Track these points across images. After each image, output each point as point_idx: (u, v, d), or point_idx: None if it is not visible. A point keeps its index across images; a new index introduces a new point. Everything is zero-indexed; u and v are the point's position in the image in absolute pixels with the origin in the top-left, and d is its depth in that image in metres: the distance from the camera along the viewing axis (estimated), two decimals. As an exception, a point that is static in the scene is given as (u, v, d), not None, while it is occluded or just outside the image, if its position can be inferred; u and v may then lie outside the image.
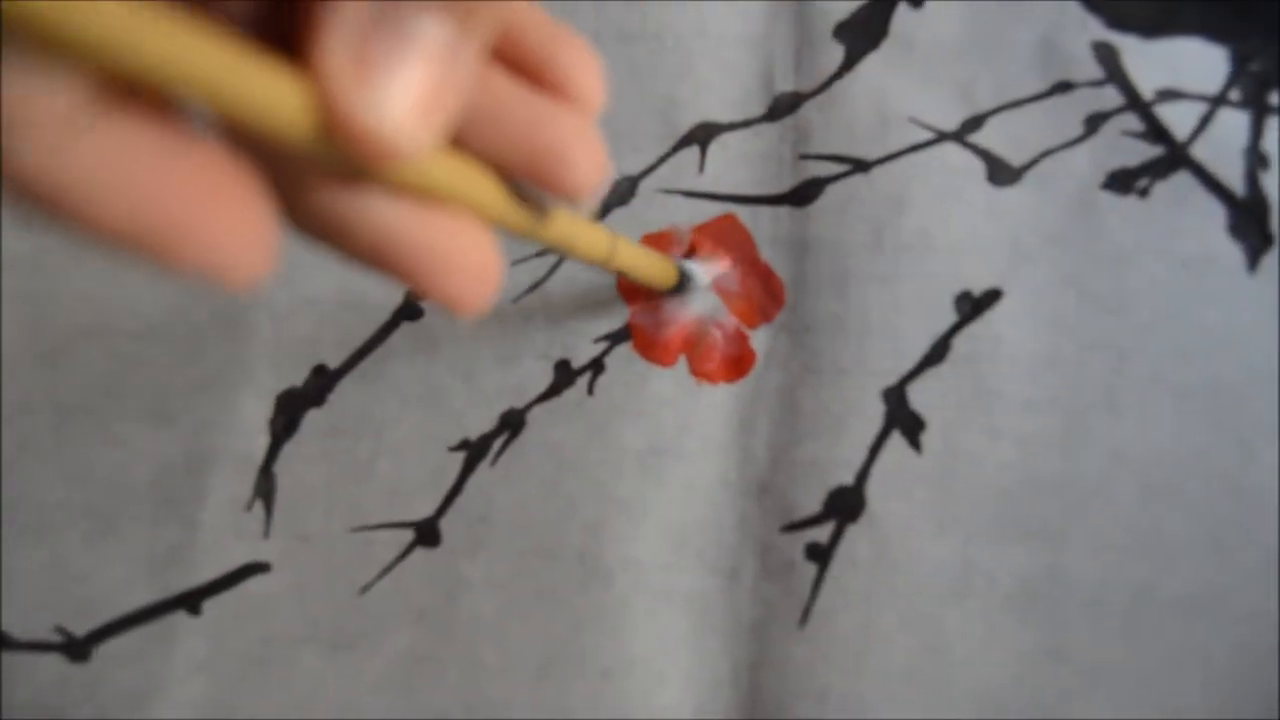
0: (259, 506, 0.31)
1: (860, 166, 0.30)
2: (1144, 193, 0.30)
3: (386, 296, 0.31)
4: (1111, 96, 0.30)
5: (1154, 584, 0.28)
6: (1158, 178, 0.30)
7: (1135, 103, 0.30)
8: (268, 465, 0.31)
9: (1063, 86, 0.30)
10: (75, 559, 0.32)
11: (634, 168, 0.31)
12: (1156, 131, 0.30)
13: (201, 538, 0.31)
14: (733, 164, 0.31)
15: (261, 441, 0.31)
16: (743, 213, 0.31)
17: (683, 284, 0.29)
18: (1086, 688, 0.28)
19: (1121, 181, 0.30)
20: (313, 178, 0.15)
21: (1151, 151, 0.30)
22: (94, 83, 0.12)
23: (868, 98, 0.31)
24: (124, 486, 0.32)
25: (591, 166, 0.17)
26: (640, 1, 0.31)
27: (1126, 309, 0.29)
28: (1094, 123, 0.30)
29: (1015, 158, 0.30)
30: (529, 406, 0.31)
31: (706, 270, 0.30)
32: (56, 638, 0.31)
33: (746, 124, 0.31)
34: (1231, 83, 0.30)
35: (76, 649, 0.31)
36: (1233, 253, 0.29)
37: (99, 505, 0.32)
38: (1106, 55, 0.30)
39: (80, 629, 0.31)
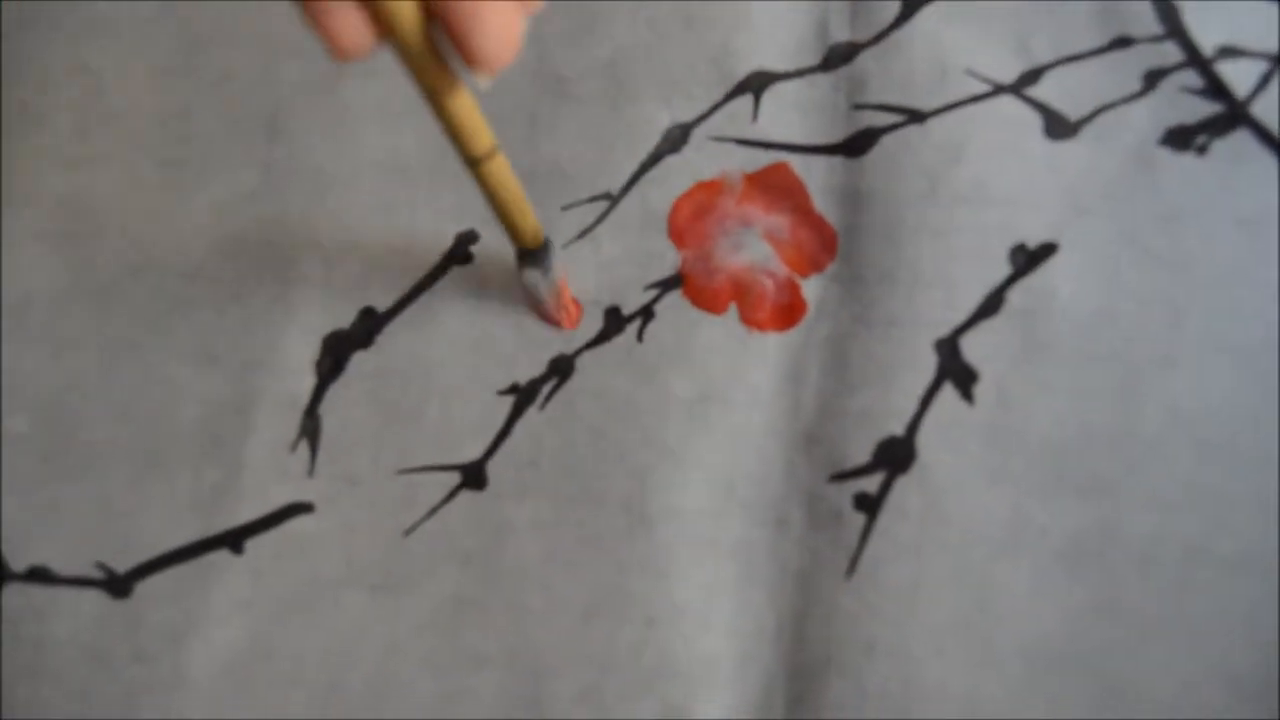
0: (304, 447, 0.31)
1: (916, 117, 0.30)
2: (1202, 150, 0.30)
3: (436, 240, 0.31)
4: (1171, 52, 0.30)
5: (1206, 541, 0.28)
6: (1216, 135, 0.30)
7: (1195, 59, 0.30)
8: (313, 406, 0.31)
9: (1122, 41, 0.30)
10: (120, 496, 0.32)
11: (687, 115, 0.31)
12: (1216, 89, 0.30)
13: (245, 477, 0.31)
14: (786, 113, 0.31)
15: (307, 382, 0.31)
16: (795, 162, 0.30)
17: (543, 252, 0.28)
18: (1136, 644, 0.28)
19: (1180, 138, 0.30)
20: None
21: (1210, 109, 0.30)
22: None
23: (925, 49, 0.30)
24: (170, 425, 0.32)
25: (500, 40, 0.20)
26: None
27: (1183, 266, 0.29)
28: (1153, 79, 0.30)
29: (1073, 112, 0.30)
30: (578, 352, 0.30)
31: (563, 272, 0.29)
32: (98, 574, 0.31)
33: (801, 73, 0.31)
34: (1294, 40, 0.30)
35: (118, 585, 0.31)
36: (1292, 211, 0.29)
37: (145, 443, 0.32)
38: (1167, 11, 0.30)
39: (122, 566, 0.31)
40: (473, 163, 0.23)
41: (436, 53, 0.21)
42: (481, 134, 0.23)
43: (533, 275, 0.28)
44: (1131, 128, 0.30)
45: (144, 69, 0.33)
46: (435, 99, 0.21)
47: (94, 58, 0.33)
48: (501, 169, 0.24)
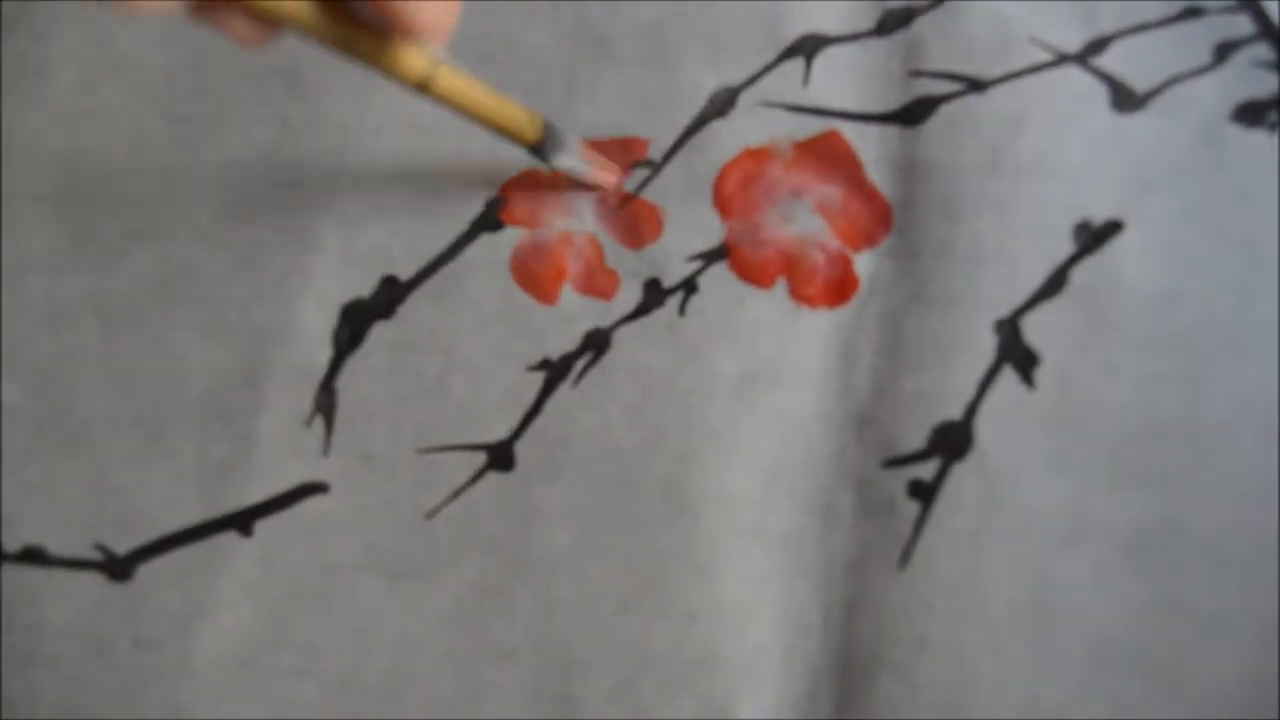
0: (319, 423, 0.29)
1: (975, 86, 0.28)
2: (1274, 127, 0.28)
3: (464, 206, 0.29)
4: (1243, 24, 0.29)
5: (1275, 534, 0.27)
6: (1289, 111, 0.28)
7: (1268, 31, 0.28)
8: (329, 379, 0.29)
9: (1192, 11, 0.29)
10: (119, 473, 0.30)
11: (734, 78, 0.29)
12: (1289, 63, 0.28)
13: (256, 454, 0.29)
14: (839, 78, 0.29)
15: (324, 354, 0.29)
16: (848, 130, 0.29)
17: (551, 136, 0.26)
18: (1202, 641, 0.27)
19: (1251, 114, 0.28)
20: None
21: (1283, 83, 0.28)
22: None
23: (986, 15, 0.29)
24: (174, 398, 0.30)
25: (434, 9, 0.19)
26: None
27: (1253, 246, 0.28)
28: (1224, 51, 0.28)
29: (1140, 84, 0.28)
30: (615, 326, 0.29)
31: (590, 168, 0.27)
32: (97, 555, 0.29)
33: (855, 38, 0.29)
34: (1372, 13, 0.28)
35: (118, 568, 0.29)
36: (1368, 191, 0.27)
37: (146, 417, 0.30)
38: (1239, -19, 0.28)
39: (122, 547, 0.29)
40: (421, 89, 0.22)
41: (349, 24, 0.21)
42: (411, 60, 0.22)
43: (558, 161, 0.26)
44: (1201, 102, 0.28)
45: (153, 17, 0.31)
46: (352, 57, 0.21)
47: (99, 6, 0.31)
48: (452, 83, 0.23)
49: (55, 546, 0.30)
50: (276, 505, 0.29)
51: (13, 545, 0.30)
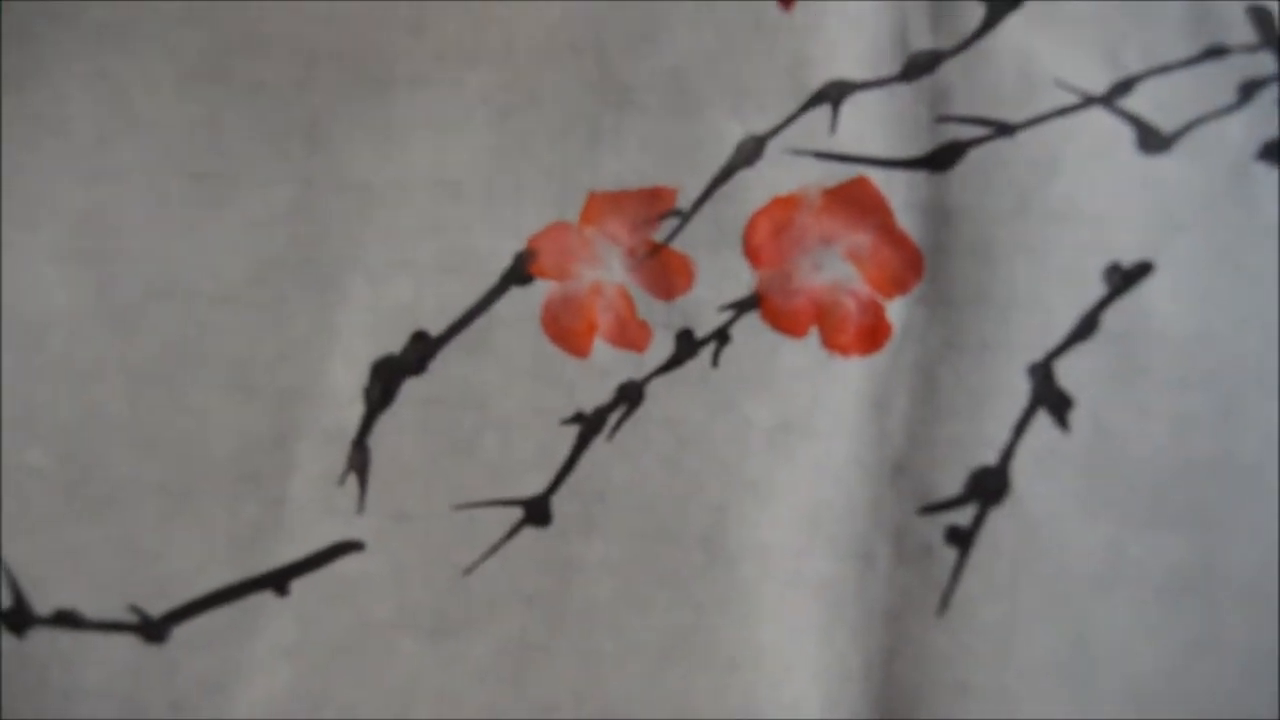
0: (352, 481, 0.29)
1: (1004, 130, 0.29)
2: (1300, 164, 0.28)
3: (493, 260, 0.29)
4: (1267, 63, 0.29)
5: (1312, 573, 0.27)
6: (1314, 149, 0.28)
7: (1291, 69, 0.28)
8: (361, 437, 0.29)
9: (1215, 51, 0.29)
10: (149, 536, 0.29)
11: (761, 127, 0.29)
12: (1313, 100, 0.28)
13: (289, 514, 0.29)
14: (867, 125, 0.29)
15: (355, 411, 0.29)
16: (877, 176, 0.29)
17: None
18: (1241, 682, 0.27)
19: (1276, 152, 0.28)
20: None
21: (1307, 121, 0.28)
22: None
23: (1011, 58, 0.29)
24: (203, 459, 0.30)
25: None
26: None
27: (1282, 285, 0.28)
28: (1248, 90, 0.29)
29: (1166, 125, 0.29)
30: (648, 378, 0.29)
31: None
32: (131, 618, 0.29)
33: (881, 83, 0.29)
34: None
35: (152, 630, 0.29)
36: (1396, 228, 0.28)
37: (175, 479, 0.30)
38: (1262, 19, 0.29)
39: (156, 609, 0.29)
40: None
41: None
42: None
43: None
44: (1227, 141, 0.28)
45: (170, 75, 0.31)
46: None
47: (115, 63, 0.31)
48: None
49: (88, 609, 0.29)
50: (311, 564, 0.29)
51: (45, 609, 0.29)
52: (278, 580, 0.29)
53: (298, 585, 0.29)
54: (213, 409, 0.30)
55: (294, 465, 0.29)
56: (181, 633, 0.29)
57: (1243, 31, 0.29)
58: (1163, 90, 0.29)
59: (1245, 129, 0.28)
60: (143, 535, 0.30)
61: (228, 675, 0.29)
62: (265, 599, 0.29)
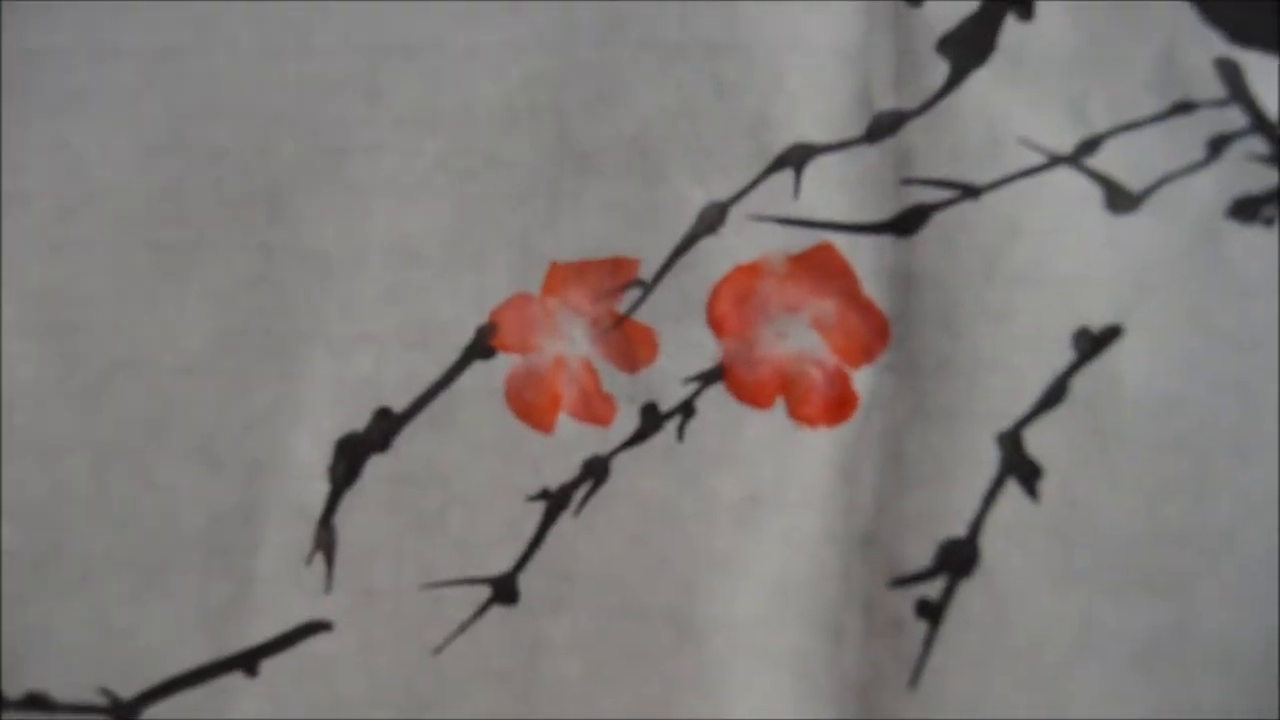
0: (319, 560, 0.29)
1: (969, 192, 0.28)
2: (1270, 221, 0.28)
3: (455, 332, 0.29)
4: (1235, 117, 0.28)
5: (1285, 639, 0.27)
6: (1286, 204, 0.28)
7: (1261, 124, 0.28)
8: (328, 516, 0.29)
9: (1183, 106, 0.28)
10: (119, 614, 0.29)
11: (723, 192, 0.29)
12: (1284, 155, 0.28)
13: (257, 592, 0.29)
14: (830, 189, 0.29)
15: (320, 487, 0.29)
16: (841, 242, 0.28)
17: None
18: (1216, 750, 0.27)
19: (1247, 209, 0.28)
20: None
21: (1278, 177, 0.28)
22: None
23: (976, 117, 0.28)
24: (171, 536, 0.29)
25: None
26: (731, 1, 0.29)
27: (1255, 346, 0.28)
28: (1217, 145, 0.28)
29: (1134, 183, 0.28)
30: (614, 453, 0.28)
31: None
32: (101, 699, 0.29)
33: (844, 146, 0.29)
34: (1365, 102, 0.28)
35: (123, 712, 0.29)
36: (1369, 286, 0.27)
37: (144, 556, 0.29)
38: (1230, 72, 0.28)
39: (127, 690, 0.29)
40: None
41: None
42: None
43: None
44: (1196, 199, 0.28)
45: (130, 144, 0.31)
46: None
47: (74, 133, 0.31)
48: None
49: (59, 692, 0.29)
50: (280, 644, 0.29)
51: (15, 691, 0.29)
52: (247, 661, 0.29)
53: (268, 665, 0.29)
54: (180, 483, 0.30)
55: (262, 542, 0.29)
56: (153, 714, 0.29)
57: (1211, 86, 0.28)
58: (1130, 148, 0.28)
59: (1215, 186, 0.28)
60: (114, 613, 0.30)
61: (200, 755, 0.29)
62: (235, 679, 0.29)
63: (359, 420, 0.29)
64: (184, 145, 0.30)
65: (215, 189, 0.30)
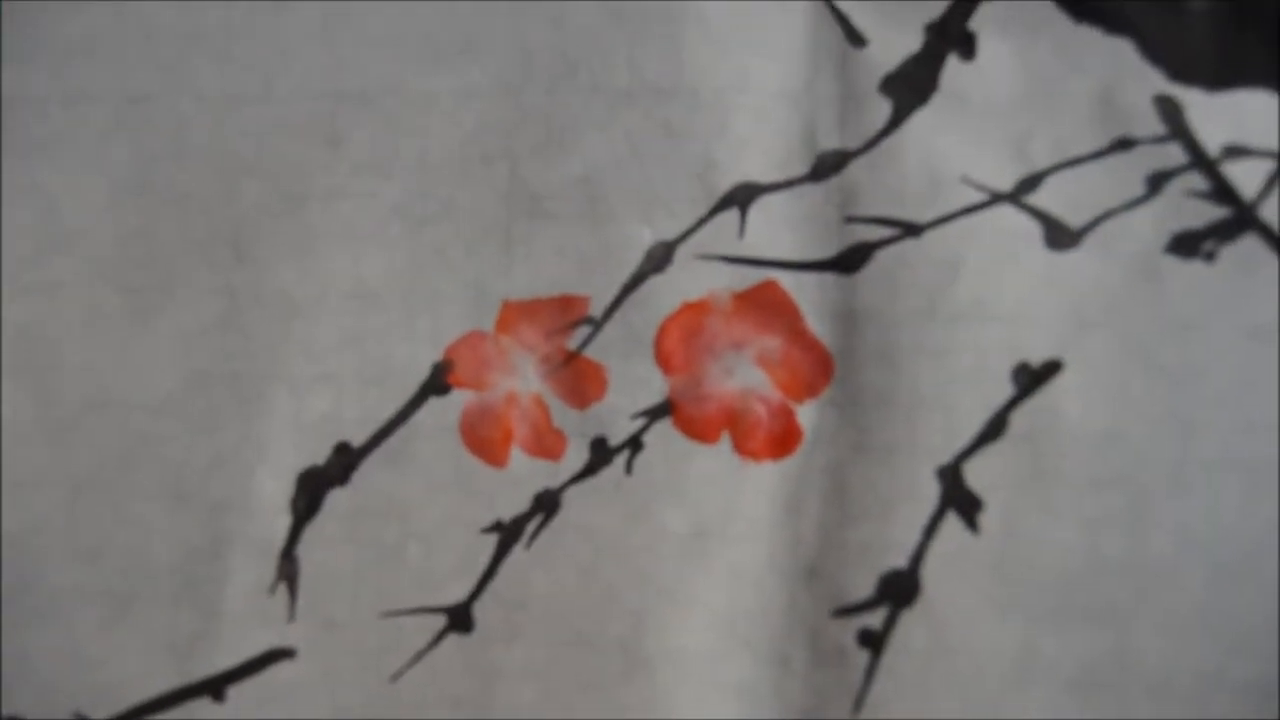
0: (282, 590, 0.30)
1: (911, 230, 0.29)
2: (1210, 256, 0.28)
3: (411, 370, 0.30)
4: (1175, 154, 0.29)
5: (1223, 669, 0.27)
6: (1224, 240, 0.28)
7: (1200, 161, 0.28)
8: (289, 548, 0.30)
9: (1123, 143, 0.29)
10: (92, 644, 0.30)
11: (670, 232, 0.29)
12: (1222, 191, 0.28)
13: (224, 623, 0.30)
14: (775, 227, 0.29)
15: (282, 522, 0.30)
16: (786, 279, 0.29)
17: None
18: (1152, 777, 0.27)
19: (1186, 245, 0.28)
20: None
21: (1217, 213, 0.28)
22: None
23: (918, 156, 0.29)
24: (142, 568, 0.30)
25: None
26: (678, 46, 0.29)
27: (1193, 381, 0.28)
28: (1156, 182, 0.29)
29: (1074, 219, 0.29)
30: (564, 487, 0.29)
31: None
32: (74, 727, 0.30)
33: (789, 184, 0.29)
34: (1302, 138, 0.28)
35: (96, 739, 0.30)
36: (1305, 321, 0.28)
37: (116, 588, 0.30)
38: (1169, 110, 0.29)
39: (98, 716, 0.30)
40: None
41: None
42: None
43: None
44: (1136, 235, 0.28)
45: (101, 187, 0.31)
46: None
47: (46, 176, 0.32)
48: None
49: (34, 715, 0.30)
50: (246, 671, 0.30)
51: (-6, 718, 0.30)
52: (214, 687, 0.30)
53: (234, 692, 0.30)
54: (151, 519, 0.31)
55: (228, 575, 0.30)
56: (124, 740, 0.30)
57: (1150, 123, 0.29)
58: (1070, 184, 0.29)
59: (1154, 222, 0.28)
60: (86, 643, 0.30)
61: (170, 780, 0.30)
62: (203, 704, 0.30)
63: (320, 455, 0.30)
64: (151, 189, 0.31)
65: (182, 232, 0.31)
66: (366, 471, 0.30)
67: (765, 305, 0.29)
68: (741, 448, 0.29)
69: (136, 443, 0.31)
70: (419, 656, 0.29)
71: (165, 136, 0.31)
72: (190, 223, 0.31)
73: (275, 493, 0.30)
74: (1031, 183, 0.29)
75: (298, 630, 0.30)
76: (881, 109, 0.29)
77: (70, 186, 0.32)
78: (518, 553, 0.29)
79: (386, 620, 0.29)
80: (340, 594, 0.30)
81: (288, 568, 0.30)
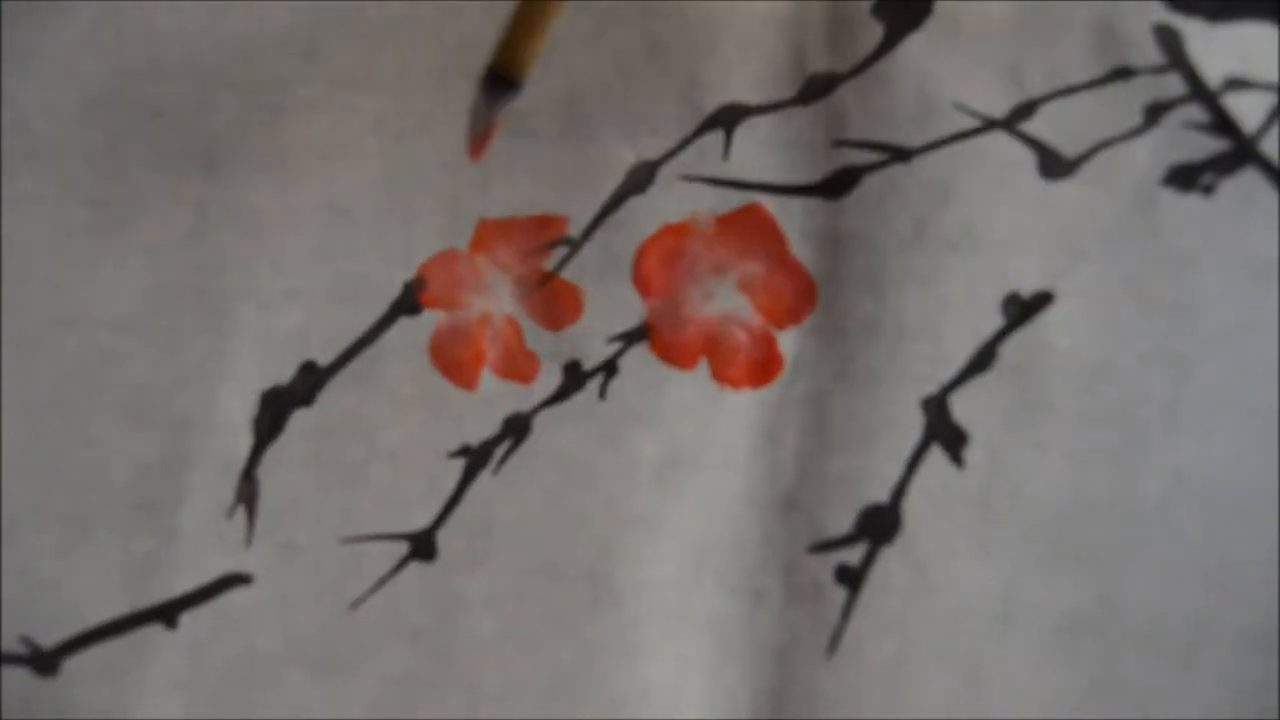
0: (241, 513, 0.29)
1: (900, 155, 0.28)
2: (1208, 190, 0.27)
3: (383, 288, 0.29)
4: (1174, 85, 0.28)
5: (1215, 616, 0.26)
6: (1223, 174, 0.27)
7: (1200, 92, 0.28)
8: (250, 468, 0.29)
9: (1121, 73, 0.28)
10: (46, 566, 0.29)
11: (652, 152, 0.28)
12: (1222, 123, 0.27)
13: (180, 545, 0.29)
14: (761, 150, 0.28)
15: (244, 442, 0.29)
16: (771, 203, 0.28)
17: (509, 91, 0.25)
18: (1139, 727, 0.26)
19: (1184, 177, 0.27)
20: None
21: (1217, 145, 0.28)
22: None
23: (909, 81, 0.28)
24: (99, 489, 0.29)
25: None
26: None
27: (1189, 317, 0.27)
28: (1155, 113, 0.28)
29: (1069, 149, 0.28)
30: (535, 411, 0.28)
31: None
32: (22, 649, 0.29)
33: (776, 107, 0.28)
34: (1306, 71, 0.27)
35: (44, 662, 0.29)
36: (1306, 257, 0.27)
37: (72, 509, 0.29)
38: (1169, 40, 0.28)
39: (49, 640, 0.29)
40: None
41: None
42: None
43: (485, 103, 0.25)
44: (1132, 166, 0.27)
45: (72, 101, 0.31)
46: None
47: (16, 88, 0.31)
48: None
49: (-16, 640, 0.29)
50: (200, 597, 0.29)
51: (-60, 640, 0.29)
52: (168, 612, 0.29)
53: (187, 618, 0.29)
54: (110, 438, 0.30)
55: (186, 495, 0.29)
56: (73, 664, 0.29)
57: (1149, 52, 0.28)
58: (1066, 113, 0.28)
59: (1151, 153, 0.28)
60: (41, 565, 0.29)
61: (119, 708, 0.29)
62: (156, 631, 0.29)
63: (285, 374, 0.29)
64: (125, 102, 0.31)
65: (153, 146, 0.30)
66: (332, 391, 0.29)
67: (748, 229, 0.28)
68: (720, 374, 0.28)
69: (98, 360, 0.30)
70: (380, 584, 0.28)
71: (140, 50, 0.31)
72: (162, 137, 0.30)
73: (238, 412, 0.29)
74: (1026, 110, 0.28)
75: (255, 554, 0.29)
76: (873, 32, 0.28)
77: (41, 100, 0.31)
78: (485, 478, 0.28)
79: (347, 545, 0.28)
80: (300, 518, 0.29)
81: (247, 489, 0.29)
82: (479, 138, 0.26)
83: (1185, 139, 0.27)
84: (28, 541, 0.30)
